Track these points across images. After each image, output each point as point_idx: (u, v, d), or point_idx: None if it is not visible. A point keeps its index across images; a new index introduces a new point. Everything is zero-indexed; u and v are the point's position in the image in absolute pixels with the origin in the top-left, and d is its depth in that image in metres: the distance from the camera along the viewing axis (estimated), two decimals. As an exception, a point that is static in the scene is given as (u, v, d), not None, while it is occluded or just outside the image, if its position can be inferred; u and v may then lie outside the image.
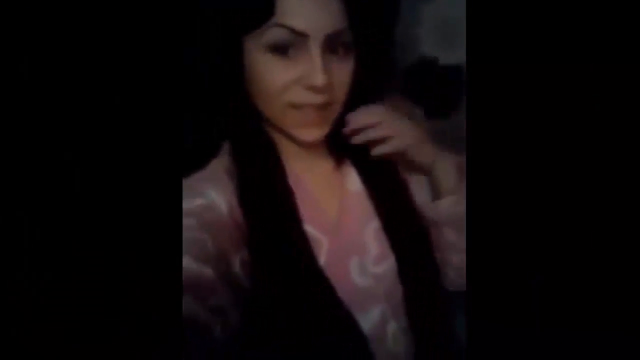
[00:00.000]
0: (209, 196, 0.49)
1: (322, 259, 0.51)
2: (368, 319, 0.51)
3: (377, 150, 0.54)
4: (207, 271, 0.43)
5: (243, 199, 0.50)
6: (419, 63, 0.85)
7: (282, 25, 0.46)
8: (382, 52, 0.54)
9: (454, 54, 0.85)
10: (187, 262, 0.42)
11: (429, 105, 0.87)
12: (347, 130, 0.54)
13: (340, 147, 0.57)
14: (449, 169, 0.54)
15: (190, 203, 0.47)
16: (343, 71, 0.49)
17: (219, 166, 0.53)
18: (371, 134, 0.53)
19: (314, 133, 0.51)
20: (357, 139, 0.54)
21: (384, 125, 0.53)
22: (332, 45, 0.48)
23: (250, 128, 0.53)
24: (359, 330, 0.50)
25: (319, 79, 0.47)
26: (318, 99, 0.49)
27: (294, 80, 0.48)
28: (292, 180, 0.53)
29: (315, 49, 0.47)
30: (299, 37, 0.46)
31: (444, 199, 0.55)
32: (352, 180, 0.58)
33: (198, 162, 0.52)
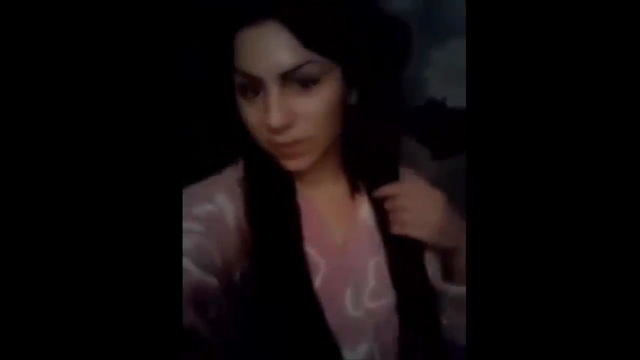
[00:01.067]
0: (218, 203, 0.50)
1: (318, 282, 0.51)
2: (356, 352, 0.51)
3: (397, 230, 0.54)
4: (211, 280, 0.44)
5: (250, 210, 0.51)
6: (426, 105, 0.87)
7: (239, 70, 0.47)
8: (360, 76, 0.52)
9: (462, 97, 0.86)
10: (191, 268, 0.43)
11: (436, 146, 0.88)
12: (376, 195, 0.55)
13: (355, 175, 0.57)
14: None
15: (199, 209, 0.48)
16: (311, 105, 0.48)
17: (232, 174, 0.54)
18: (398, 202, 0.54)
19: (298, 164, 0.51)
20: (386, 206, 0.55)
21: (406, 208, 0.53)
22: (293, 81, 0.47)
23: (261, 152, 0.53)
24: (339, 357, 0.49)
25: (273, 120, 0.47)
26: (284, 138, 0.48)
27: (259, 122, 0.49)
28: (301, 199, 0.53)
29: (270, 91, 0.46)
30: (256, 80, 0.47)
31: (455, 287, 0.56)
32: (364, 210, 0.57)
33: (211, 169, 0.54)
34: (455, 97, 0.88)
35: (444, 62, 0.86)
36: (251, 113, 0.49)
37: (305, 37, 0.45)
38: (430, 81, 0.88)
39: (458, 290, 0.56)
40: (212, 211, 0.49)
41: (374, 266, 0.55)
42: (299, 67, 0.46)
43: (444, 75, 0.87)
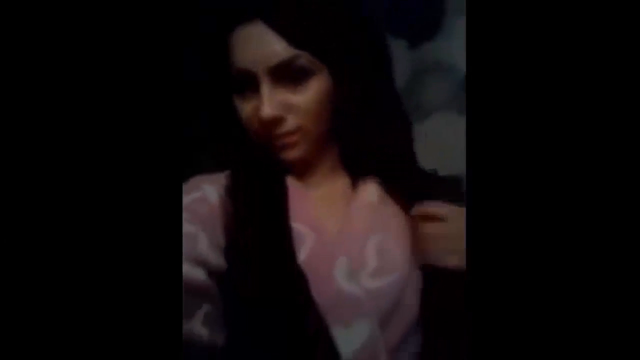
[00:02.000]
0: (204, 190, 0.52)
1: (303, 254, 0.50)
2: (352, 332, 0.48)
3: (433, 260, 0.51)
4: (198, 272, 0.46)
5: (234, 189, 0.53)
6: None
7: (233, 67, 0.51)
8: (353, 67, 0.53)
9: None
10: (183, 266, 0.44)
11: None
12: (413, 212, 0.53)
13: (354, 163, 0.58)
14: None
15: (185, 199, 0.50)
16: (303, 97, 0.51)
17: (224, 177, 0.55)
18: (436, 228, 0.51)
19: (291, 154, 0.53)
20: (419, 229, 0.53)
21: (453, 231, 0.50)
22: (284, 74, 0.50)
23: (254, 150, 0.55)
24: (329, 339, 0.47)
25: (264, 112, 0.49)
26: (276, 129, 0.51)
27: (252, 115, 0.52)
28: (296, 194, 0.54)
29: (262, 84, 0.50)
30: (248, 75, 0.50)
31: None
32: (367, 190, 0.57)
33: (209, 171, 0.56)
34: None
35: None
36: (246, 108, 0.52)
37: (289, 36, 0.49)
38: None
39: None
40: (197, 197, 0.51)
41: (374, 245, 0.53)
42: (289, 60, 0.49)
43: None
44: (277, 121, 0.50)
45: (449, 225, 0.50)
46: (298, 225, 0.51)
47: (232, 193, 0.52)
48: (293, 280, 0.48)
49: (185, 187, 0.52)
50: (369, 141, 0.55)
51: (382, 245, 0.53)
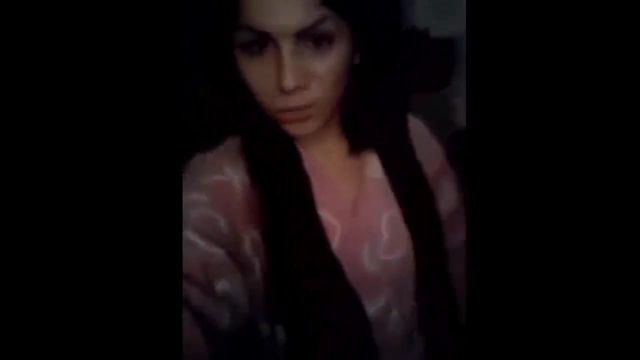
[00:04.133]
0: (226, 173, 0.50)
1: (335, 243, 0.51)
2: (374, 305, 0.52)
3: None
4: (218, 251, 0.44)
5: (257, 180, 0.50)
6: (410, 34, 0.82)
7: (247, 27, 0.43)
8: (383, 37, 0.50)
9: (448, 26, 0.82)
10: (196, 241, 0.44)
11: (420, 79, 0.85)
12: None
13: (355, 133, 0.56)
14: None
15: (207, 179, 0.48)
16: (325, 64, 0.45)
17: (233, 146, 0.53)
18: None
19: (304, 129, 0.49)
20: None
21: None
22: (307, 40, 0.44)
23: (262, 119, 0.50)
24: (364, 316, 0.51)
25: (286, 82, 0.44)
26: (295, 101, 0.46)
27: (267, 83, 0.46)
28: (308, 165, 0.52)
29: (284, 50, 0.43)
30: (266, 38, 0.44)
31: None
32: (372, 167, 0.56)
33: (211, 139, 0.53)
34: (441, 25, 0.83)
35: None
36: (256, 74, 0.46)
37: None
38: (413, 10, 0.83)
39: None
40: (220, 180, 0.49)
41: (387, 220, 0.55)
42: (315, 24, 0.43)
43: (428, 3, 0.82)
44: (297, 91, 0.45)
45: None
46: (325, 214, 0.51)
47: (257, 182, 0.50)
48: (331, 270, 0.49)
49: (203, 164, 0.50)
50: (369, 110, 0.54)
51: (393, 220, 0.55)
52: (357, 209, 0.54)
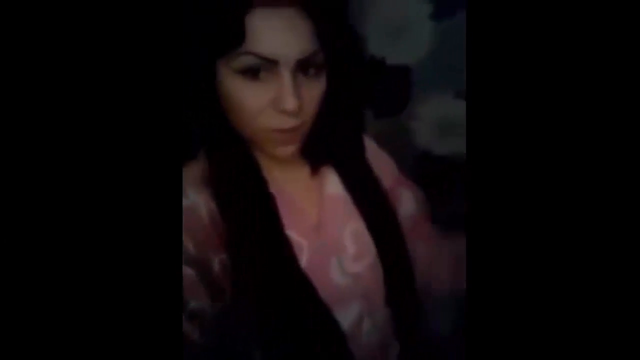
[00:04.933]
0: (191, 197, 0.51)
1: (304, 261, 0.53)
2: (346, 316, 0.54)
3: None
4: (189, 272, 0.46)
5: (223, 205, 0.51)
6: (367, 63, 0.86)
7: (252, 53, 0.46)
8: (354, 69, 0.56)
9: (400, 54, 0.86)
10: None
11: (378, 105, 0.88)
12: None
13: (315, 154, 0.59)
14: None
15: None
16: (313, 91, 0.51)
17: (194, 171, 0.53)
18: None
19: (287, 150, 0.53)
20: None
21: None
22: (303, 67, 0.49)
23: (227, 142, 0.53)
24: (338, 328, 0.52)
25: (291, 104, 0.47)
26: (290, 122, 0.49)
27: (266, 104, 0.49)
28: (272, 187, 0.54)
29: (286, 74, 0.47)
30: (270, 63, 0.47)
31: None
32: (331, 184, 0.59)
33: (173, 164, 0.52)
34: (395, 54, 0.87)
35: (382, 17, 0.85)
36: (257, 96, 0.48)
37: (321, 26, 0.48)
38: (368, 38, 0.87)
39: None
40: (186, 205, 0.50)
41: (350, 233, 0.58)
42: (312, 55, 0.48)
43: (384, 31, 0.86)
44: (297, 112, 0.49)
45: None
46: (291, 233, 0.53)
47: (222, 207, 0.51)
48: (302, 287, 0.51)
49: None
50: (327, 133, 0.57)
51: (356, 233, 0.58)
52: (321, 225, 0.56)
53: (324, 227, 0.56)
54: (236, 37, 0.46)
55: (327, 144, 0.57)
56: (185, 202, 0.50)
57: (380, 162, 0.65)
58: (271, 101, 0.48)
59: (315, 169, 0.59)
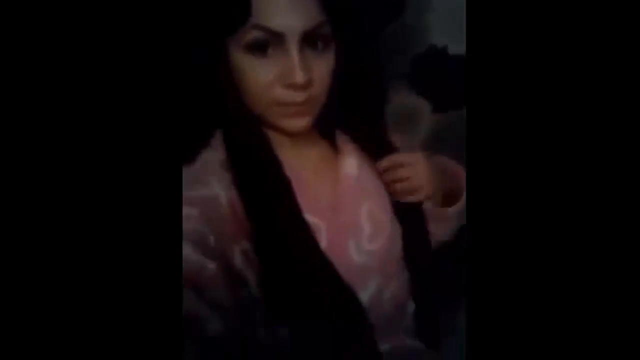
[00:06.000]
0: (212, 187, 0.51)
1: (323, 242, 0.53)
2: (366, 292, 0.55)
3: (406, 199, 0.59)
4: (209, 263, 0.46)
5: (242, 191, 0.52)
6: (427, 52, 0.82)
7: (258, 26, 0.47)
8: (365, 42, 0.57)
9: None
10: (189, 254, 0.45)
11: (437, 98, 0.79)
12: (379, 166, 0.60)
13: (330, 132, 0.61)
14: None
15: (193, 192, 0.49)
16: (323, 64, 0.51)
17: (214, 158, 0.54)
18: (399, 174, 0.59)
19: (299, 124, 0.53)
20: (386, 177, 0.60)
21: (415, 174, 0.59)
22: (310, 40, 0.49)
23: (243, 122, 0.54)
24: (359, 305, 0.53)
25: (298, 77, 0.48)
26: (300, 96, 0.50)
27: (275, 79, 0.49)
28: (287, 171, 0.54)
29: (292, 48, 0.48)
30: (276, 37, 0.48)
31: (453, 208, 0.63)
32: (347, 163, 0.60)
33: (190, 152, 0.54)
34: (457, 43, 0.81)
35: (447, 3, 0.81)
36: (265, 71, 0.49)
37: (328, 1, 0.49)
38: (431, 26, 0.83)
39: (456, 208, 0.63)
40: (207, 195, 0.50)
41: (366, 212, 0.58)
42: (318, 27, 0.49)
43: (446, 19, 0.81)
44: (306, 86, 0.49)
45: (409, 170, 0.59)
46: (309, 216, 0.53)
47: (243, 193, 0.52)
48: (323, 268, 0.52)
49: (187, 174, 0.49)
50: (354, 103, 0.59)
51: (371, 212, 0.58)
52: (337, 206, 0.57)
53: (341, 208, 0.57)
54: (242, 12, 0.47)
55: (345, 118, 0.59)
56: (205, 192, 0.50)
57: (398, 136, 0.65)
58: (280, 75, 0.49)
59: (330, 147, 0.60)
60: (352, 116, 0.60)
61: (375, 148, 0.61)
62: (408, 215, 0.60)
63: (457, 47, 0.76)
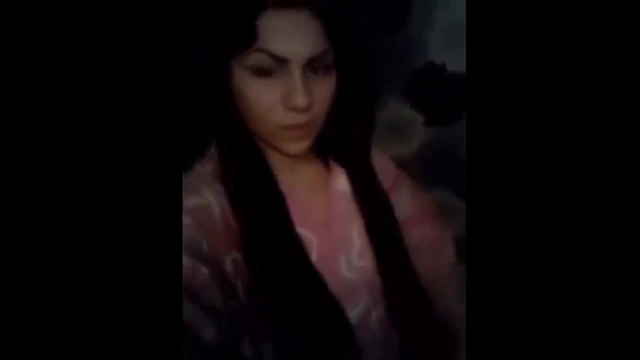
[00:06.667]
0: (205, 196, 0.52)
1: (314, 256, 0.55)
2: (355, 310, 0.56)
3: None
4: (202, 270, 0.46)
5: (235, 203, 0.53)
6: (425, 68, 0.85)
7: (264, 51, 0.48)
8: (364, 70, 0.58)
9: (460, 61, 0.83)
10: (184, 260, 0.45)
11: (431, 112, 0.82)
12: None
13: (324, 151, 0.62)
14: None
15: (187, 201, 0.50)
16: (323, 90, 0.52)
17: (206, 169, 0.55)
18: None
19: (300, 146, 0.54)
20: None
21: None
22: (313, 67, 0.51)
23: (238, 140, 0.56)
24: (348, 322, 0.53)
25: (301, 101, 0.49)
26: (301, 118, 0.51)
27: (277, 102, 0.51)
28: (281, 185, 0.56)
29: (296, 73, 0.49)
30: (280, 61, 0.49)
31: None
32: (339, 181, 0.62)
33: (187, 161, 0.55)
34: (456, 61, 0.83)
35: (447, 22, 0.83)
36: (268, 94, 0.50)
37: (331, 28, 0.51)
38: (430, 43, 0.85)
39: None
40: (200, 204, 0.51)
41: (357, 228, 0.60)
42: (322, 54, 0.50)
43: (445, 36, 0.84)
44: (308, 109, 0.51)
45: None
46: (301, 230, 0.54)
47: (235, 204, 0.53)
48: (313, 283, 0.52)
49: (184, 185, 0.51)
50: (338, 131, 0.60)
51: (362, 228, 0.60)
52: (329, 222, 0.58)
53: (333, 223, 0.59)
54: (249, 36, 0.48)
55: (338, 142, 0.60)
56: (198, 201, 0.51)
57: (381, 162, 0.66)
58: (282, 98, 0.50)
59: (324, 165, 0.62)
60: (339, 138, 0.60)
61: (358, 173, 0.61)
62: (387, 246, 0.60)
63: (456, 64, 0.79)
